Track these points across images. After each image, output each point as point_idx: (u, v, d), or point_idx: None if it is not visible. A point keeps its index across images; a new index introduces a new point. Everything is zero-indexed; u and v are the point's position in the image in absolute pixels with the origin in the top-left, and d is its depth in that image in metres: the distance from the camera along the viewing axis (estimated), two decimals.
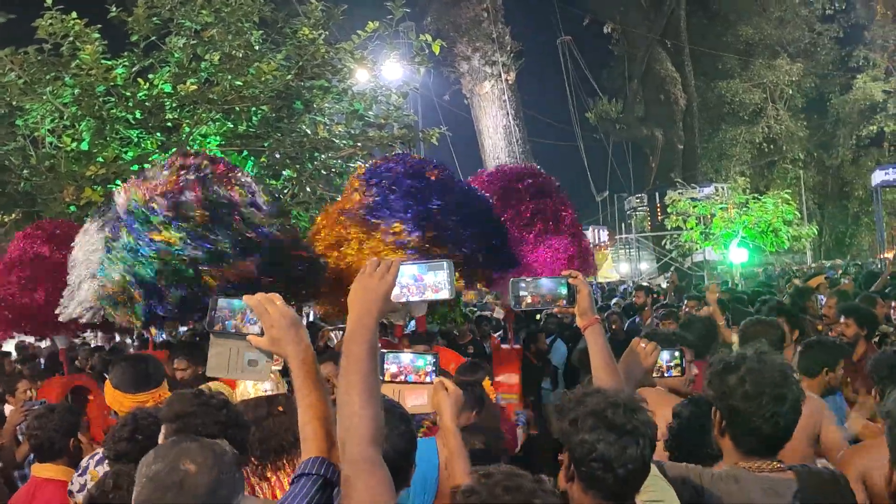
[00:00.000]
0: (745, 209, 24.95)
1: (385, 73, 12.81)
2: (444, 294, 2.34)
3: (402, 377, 2.83)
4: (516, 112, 25.63)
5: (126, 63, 9.87)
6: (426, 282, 2.34)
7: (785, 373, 2.67)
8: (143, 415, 3.33)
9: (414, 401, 2.83)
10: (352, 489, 1.87)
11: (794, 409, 2.66)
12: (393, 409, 2.32)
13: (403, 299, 2.32)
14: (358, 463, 1.90)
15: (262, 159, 10.23)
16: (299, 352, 2.19)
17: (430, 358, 2.90)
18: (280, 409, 3.44)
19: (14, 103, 9.65)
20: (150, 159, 9.27)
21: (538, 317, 12.11)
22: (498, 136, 25.14)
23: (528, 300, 2.87)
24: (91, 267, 5.57)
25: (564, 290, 2.86)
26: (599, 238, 33.63)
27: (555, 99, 41.20)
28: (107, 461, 3.43)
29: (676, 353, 3.35)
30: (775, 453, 2.70)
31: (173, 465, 1.93)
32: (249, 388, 4.08)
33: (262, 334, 2.24)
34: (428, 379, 2.83)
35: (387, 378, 2.81)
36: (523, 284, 2.87)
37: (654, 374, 3.24)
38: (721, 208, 25.51)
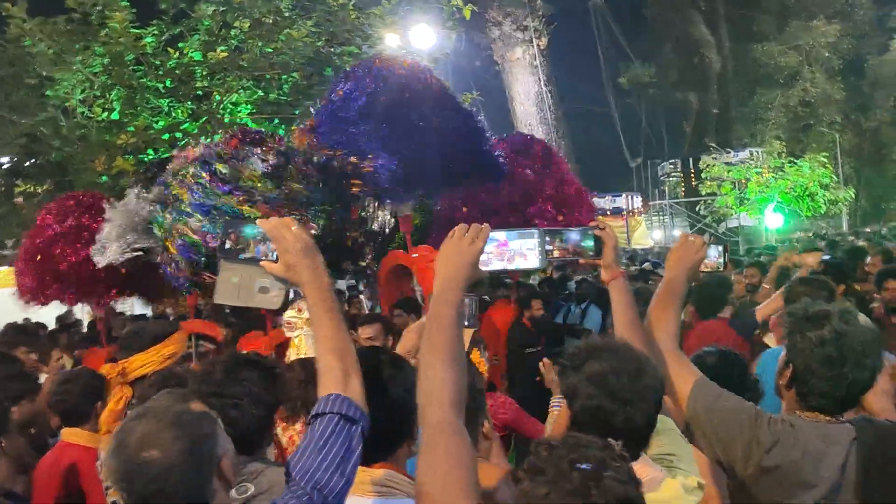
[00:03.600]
0: (780, 173, 24.58)
1: (415, 39, 12.61)
2: (533, 263, 2.30)
3: None
4: (548, 78, 25.28)
5: (155, 31, 9.78)
6: (513, 248, 2.30)
7: (871, 339, 2.51)
8: (170, 375, 3.25)
9: None
10: (432, 454, 1.80)
11: (872, 377, 2.50)
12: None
13: (489, 267, 2.26)
14: (438, 427, 1.84)
15: (293, 127, 10.13)
16: (314, 278, 2.11)
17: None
18: None
19: (44, 74, 9.63)
20: (180, 128, 9.23)
21: (571, 281, 11.98)
22: (529, 103, 24.83)
23: (555, 253, 2.74)
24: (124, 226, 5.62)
25: (591, 242, 2.73)
26: (633, 204, 33.16)
27: (587, 64, 40.65)
28: None
29: (720, 249, 3.24)
30: (840, 414, 2.56)
31: (135, 454, 1.82)
32: (309, 345, 4.04)
33: (276, 261, 2.15)
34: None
35: None
36: (549, 238, 2.70)
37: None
38: (756, 172, 25.16)
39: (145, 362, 3.87)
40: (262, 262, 2.17)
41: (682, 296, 2.90)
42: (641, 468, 2.13)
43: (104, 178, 8.96)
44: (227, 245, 2.22)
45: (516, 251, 2.30)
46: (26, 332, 6.48)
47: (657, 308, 2.84)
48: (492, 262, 2.27)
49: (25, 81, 9.67)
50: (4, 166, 9.95)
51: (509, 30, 24.77)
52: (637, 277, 10.91)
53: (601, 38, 39.05)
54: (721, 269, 3.32)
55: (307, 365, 3.26)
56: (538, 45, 24.77)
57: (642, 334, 2.70)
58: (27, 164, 9.77)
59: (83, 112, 9.75)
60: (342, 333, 2.08)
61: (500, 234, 2.29)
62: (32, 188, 10.05)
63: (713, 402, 2.60)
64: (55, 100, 9.75)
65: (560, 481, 1.53)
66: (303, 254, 2.11)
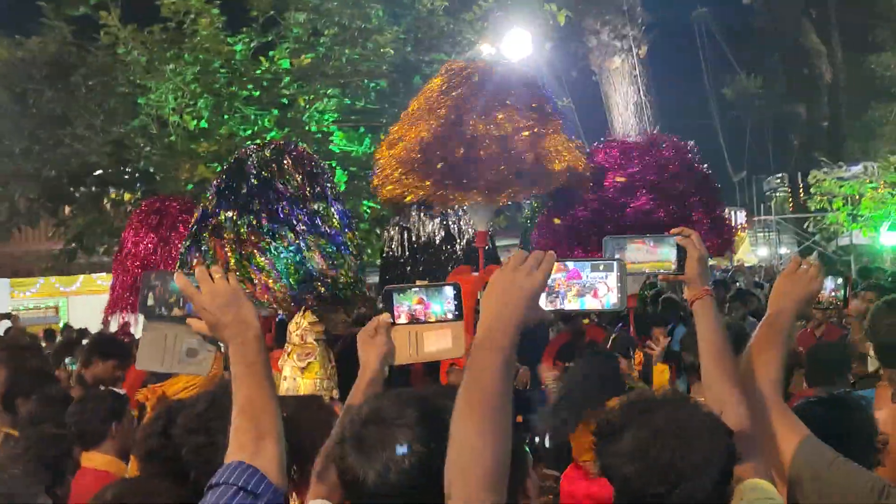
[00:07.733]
0: None
1: (508, 48, 12.32)
2: (613, 302, 1.80)
3: (420, 317, 2.12)
4: (647, 88, 24.62)
5: (245, 39, 9.77)
6: (585, 281, 1.80)
7: None
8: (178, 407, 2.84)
9: (435, 344, 2.15)
10: None
11: None
12: None
13: (554, 307, 1.78)
14: None
15: (381, 135, 9.98)
16: (236, 334, 1.80)
17: (448, 291, 2.14)
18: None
19: (137, 82, 9.72)
20: (265, 136, 9.17)
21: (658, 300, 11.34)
22: (628, 114, 24.20)
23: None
24: None
25: (672, 254, 2.20)
26: (736, 220, 31.94)
27: (689, 75, 39.59)
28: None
29: (840, 281, 2.65)
30: None
31: None
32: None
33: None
34: (450, 316, 2.12)
35: (402, 321, 2.13)
36: (617, 244, 2.21)
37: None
38: (872, 188, 23.87)
39: (188, 385, 3.58)
40: (188, 320, 1.88)
41: (788, 333, 2.39)
42: None
43: (189, 186, 8.97)
44: (150, 302, 1.90)
45: (588, 285, 1.81)
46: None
47: (758, 347, 2.31)
48: (559, 298, 1.80)
49: (117, 90, 9.77)
50: (95, 173, 10.08)
51: (607, 38, 24.21)
52: (735, 298, 10.19)
53: (704, 48, 38.02)
54: (844, 305, 2.76)
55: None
56: (638, 55, 24.15)
57: (734, 370, 2.19)
58: (118, 172, 9.88)
59: (175, 121, 9.81)
60: (263, 392, 1.78)
61: (567, 264, 1.80)
62: (121, 196, 10.18)
63: (823, 469, 2.10)
64: (147, 108, 9.84)
65: None
66: (223, 309, 1.81)
